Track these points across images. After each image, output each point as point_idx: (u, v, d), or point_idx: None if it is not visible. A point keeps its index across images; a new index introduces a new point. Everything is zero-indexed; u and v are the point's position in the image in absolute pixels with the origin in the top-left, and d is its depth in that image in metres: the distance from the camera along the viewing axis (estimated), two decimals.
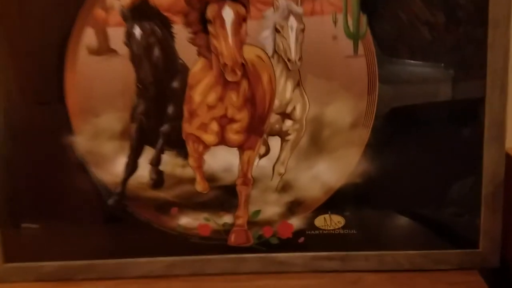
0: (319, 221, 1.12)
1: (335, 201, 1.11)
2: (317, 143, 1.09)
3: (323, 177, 1.10)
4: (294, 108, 1.08)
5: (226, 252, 1.13)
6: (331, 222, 1.12)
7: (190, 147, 1.09)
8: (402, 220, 1.12)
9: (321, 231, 1.12)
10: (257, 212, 1.13)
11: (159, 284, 1.11)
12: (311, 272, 1.11)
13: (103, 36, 1.03)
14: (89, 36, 1.04)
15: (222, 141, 1.08)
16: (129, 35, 1.03)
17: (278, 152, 1.11)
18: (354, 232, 1.12)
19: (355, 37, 1.02)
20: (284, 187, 1.11)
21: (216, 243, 1.14)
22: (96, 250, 1.14)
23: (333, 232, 1.12)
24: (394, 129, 1.07)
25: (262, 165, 1.11)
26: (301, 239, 1.13)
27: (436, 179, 1.10)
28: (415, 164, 1.09)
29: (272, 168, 1.11)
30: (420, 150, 1.09)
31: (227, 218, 1.13)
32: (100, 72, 1.05)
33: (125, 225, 1.14)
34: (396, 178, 1.09)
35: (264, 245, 1.13)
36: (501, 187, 1.06)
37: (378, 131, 1.07)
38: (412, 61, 1.02)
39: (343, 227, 1.12)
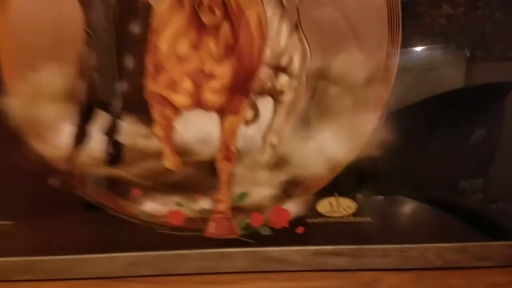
0: (323, 206, 1.00)
1: (344, 180, 0.99)
2: (321, 105, 0.95)
3: (328, 149, 0.97)
4: (290, 60, 0.92)
5: (204, 247, 1.00)
6: (339, 207, 1.00)
7: (156, 111, 0.94)
8: (429, 206, 1.01)
9: (326, 219, 1.00)
10: (243, 194, 0.99)
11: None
12: (314, 271, 0.99)
13: None
14: None
15: (198, 103, 0.94)
16: None
17: (270, 117, 0.97)
18: (369, 220, 1.00)
19: None
20: (278, 163, 0.98)
21: (191, 234, 1.01)
22: (36, 244, 1.00)
23: (342, 220, 1.00)
24: (422, 88, 0.94)
25: (249, 134, 0.97)
26: (300, 229, 1.00)
27: (471, 156, 0.99)
28: (445, 135, 0.98)
29: (263, 139, 0.98)
30: (451, 118, 0.96)
31: (205, 203, 1.00)
32: (38, 14, 0.90)
33: (73, 212, 1.01)
34: (422, 153, 0.98)
35: (252, 237, 1.01)
36: None
37: (401, 90, 0.93)
38: None
39: (355, 214, 1.00)
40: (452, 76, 0.94)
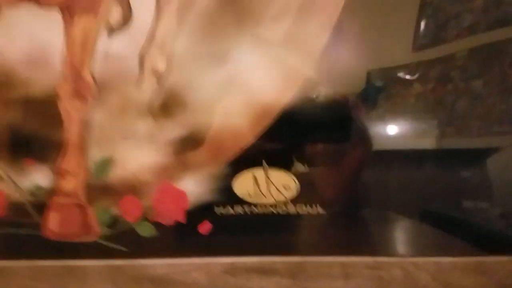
0: (244, 185, 0.70)
1: (279, 137, 0.70)
2: (237, 2, 0.65)
3: (251, 80, 0.67)
4: None
5: (39, 254, 0.71)
6: (269, 187, 0.70)
7: None
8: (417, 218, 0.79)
9: (248, 209, 0.71)
10: (107, 161, 0.69)
11: None
12: None
13: None
14: None
15: None
16: None
17: (152, 20, 0.66)
18: (320, 211, 0.71)
19: None
20: (168, 105, 0.69)
21: (17, 232, 0.71)
22: None
23: (275, 211, 0.71)
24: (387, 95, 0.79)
25: (116, 50, 0.66)
26: (205, 227, 0.71)
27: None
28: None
29: (140, 59, 0.67)
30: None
31: (41, 177, 0.70)
32: None
33: None
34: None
35: (123, 241, 0.71)
36: None
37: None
38: None
39: (295, 200, 0.70)
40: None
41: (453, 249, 0.78)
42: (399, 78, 0.78)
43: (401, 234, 0.80)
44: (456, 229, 0.82)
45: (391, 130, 0.80)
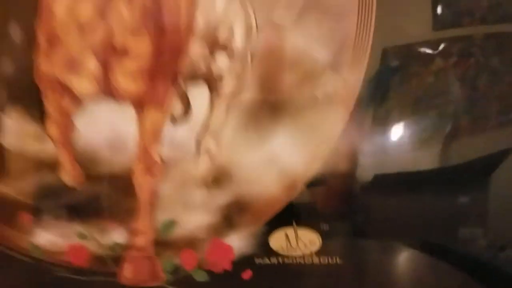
0: (278, 241, 0.86)
1: (305, 205, 0.86)
2: (273, 98, 0.82)
3: (283, 160, 0.83)
4: (231, 32, 0.81)
5: None
6: (299, 242, 0.85)
7: (49, 101, 0.82)
8: (416, 249, 0.89)
9: (281, 259, 0.86)
10: (171, 223, 0.86)
11: None
12: None
13: None
14: None
15: (106, 90, 0.81)
16: None
17: (206, 113, 0.84)
18: (338, 261, 0.86)
19: None
20: (218, 179, 0.85)
21: (98, 279, 0.87)
22: None
23: (302, 261, 0.86)
24: (403, 75, 0.84)
25: (177, 137, 0.84)
26: (247, 273, 0.86)
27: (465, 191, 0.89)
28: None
29: (196, 143, 0.85)
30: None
31: (118, 235, 0.86)
32: None
33: None
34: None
35: (183, 285, 0.87)
36: None
37: (377, 78, 0.82)
38: None
39: (319, 253, 0.85)
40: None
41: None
42: (420, 53, 0.83)
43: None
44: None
45: (402, 125, 0.87)
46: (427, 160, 0.89)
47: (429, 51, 0.83)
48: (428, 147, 0.88)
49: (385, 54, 0.83)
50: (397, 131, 0.87)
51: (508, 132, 0.89)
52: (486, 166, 0.89)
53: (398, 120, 0.87)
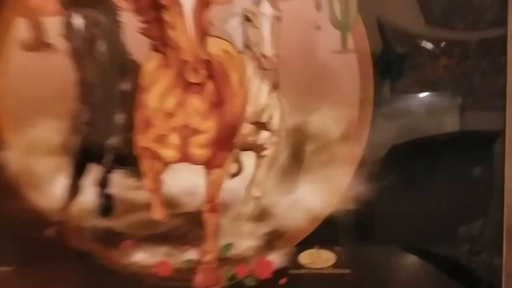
0: (305, 258, 1.07)
1: (324, 232, 1.06)
2: (300, 159, 1.04)
3: (308, 202, 1.05)
4: (270, 116, 1.02)
5: None
6: (319, 258, 1.07)
7: (144, 164, 1.02)
8: (408, 258, 1.09)
9: (307, 270, 1.07)
10: (229, 245, 1.07)
11: None
12: None
13: (37, 27, 0.99)
14: (20, 28, 1.00)
15: (184, 157, 1.00)
16: (68, 25, 0.98)
17: (253, 170, 1.06)
18: (348, 271, 1.07)
19: (343, 26, 0.98)
20: (261, 215, 1.06)
21: (178, 285, 1.08)
22: None
23: (322, 271, 1.07)
24: (395, 145, 1.03)
25: (233, 187, 1.05)
26: (283, 280, 1.07)
27: (447, 211, 1.06)
28: (421, 191, 1.05)
29: (246, 191, 1.06)
30: (428, 175, 1.05)
31: (192, 254, 1.07)
32: (34, 72, 1.00)
33: (65, 262, 1.08)
34: (398, 205, 1.05)
35: None
36: None
37: (374, 146, 1.02)
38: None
39: (334, 265, 1.07)
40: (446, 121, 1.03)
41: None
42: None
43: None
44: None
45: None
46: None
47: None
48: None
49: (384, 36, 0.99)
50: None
51: None
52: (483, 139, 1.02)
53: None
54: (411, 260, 1.09)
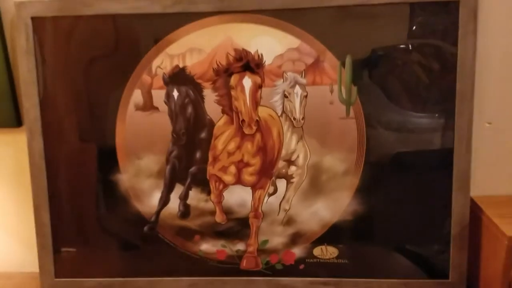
0: (317, 251, 1.34)
1: (330, 234, 1.33)
2: (316, 185, 1.31)
3: (320, 213, 1.32)
4: (297, 157, 1.29)
5: (239, 275, 1.35)
6: (327, 252, 1.33)
7: (212, 185, 1.32)
8: (387, 252, 1.33)
9: (318, 260, 1.34)
10: (265, 241, 1.34)
11: None
12: None
13: (148, 96, 1.29)
14: (137, 96, 1.30)
15: (239, 181, 1.31)
16: (169, 96, 1.28)
17: (284, 191, 1.33)
18: (346, 262, 1.33)
19: (347, 103, 1.26)
20: (288, 221, 1.33)
21: (230, 266, 1.37)
22: (131, 269, 1.39)
23: (328, 261, 1.34)
24: (379, 177, 1.29)
25: (270, 202, 1.34)
26: (302, 266, 1.35)
27: (415, 218, 1.31)
28: (397, 206, 1.30)
29: (279, 205, 1.33)
30: (401, 194, 1.30)
31: (240, 246, 1.36)
32: (144, 124, 1.30)
33: (156, 249, 1.36)
34: (381, 217, 1.31)
35: (270, 270, 1.36)
36: (467, 228, 1.25)
37: (366, 178, 1.29)
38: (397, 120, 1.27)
39: (337, 257, 1.33)
40: None
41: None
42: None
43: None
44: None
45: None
46: None
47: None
48: None
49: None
50: None
51: None
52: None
53: None
54: (391, 253, 1.32)
